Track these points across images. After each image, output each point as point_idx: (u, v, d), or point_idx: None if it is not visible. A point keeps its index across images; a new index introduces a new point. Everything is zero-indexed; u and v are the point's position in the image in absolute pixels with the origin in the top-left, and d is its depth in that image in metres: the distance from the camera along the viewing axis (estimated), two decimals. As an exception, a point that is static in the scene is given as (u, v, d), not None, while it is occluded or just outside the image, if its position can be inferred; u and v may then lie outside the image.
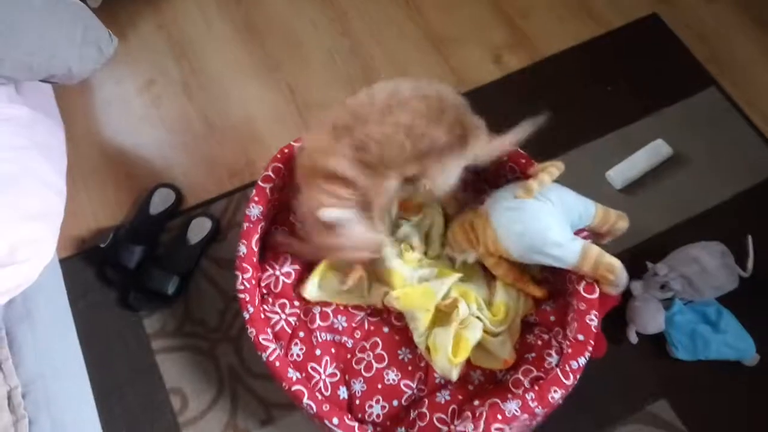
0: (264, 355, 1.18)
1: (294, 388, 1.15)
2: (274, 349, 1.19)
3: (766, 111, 1.63)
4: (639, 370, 1.33)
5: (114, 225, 1.51)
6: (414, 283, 1.28)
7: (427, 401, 1.22)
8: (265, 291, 1.32)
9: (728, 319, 1.33)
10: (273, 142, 1.59)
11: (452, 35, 1.78)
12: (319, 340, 1.28)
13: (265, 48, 1.77)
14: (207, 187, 1.58)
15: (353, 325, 1.31)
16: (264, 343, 1.19)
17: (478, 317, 1.25)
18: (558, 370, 1.14)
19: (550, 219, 1.18)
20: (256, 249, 1.28)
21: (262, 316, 1.25)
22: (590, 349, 1.15)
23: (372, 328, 1.31)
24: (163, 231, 1.51)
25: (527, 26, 1.78)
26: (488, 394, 1.20)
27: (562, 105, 1.64)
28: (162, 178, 1.58)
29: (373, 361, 1.27)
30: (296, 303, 1.32)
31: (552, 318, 1.28)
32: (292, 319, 1.30)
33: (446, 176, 1.19)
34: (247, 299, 1.23)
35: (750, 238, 1.39)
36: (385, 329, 1.30)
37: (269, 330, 1.23)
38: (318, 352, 1.27)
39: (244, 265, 1.25)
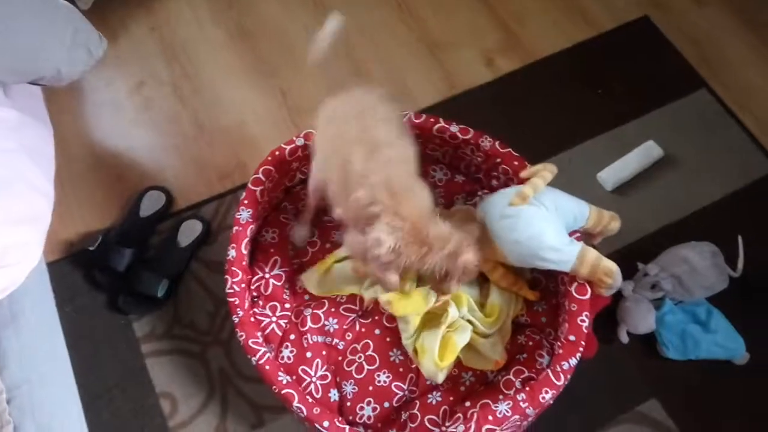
0: (254, 359, 1.18)
1: (284, 391, 1.15)
2: (264, 353, 1.18)
3: (756, 113, 1.64)
4: (630, 370, 1.33)
5: (103, 228, 1.50)
6: (407, 287, 1.27)
7: (418, 403, 1.22)
8: (255, 294, 1.31)
9: (718, 318, 1.33)
10: (264, 145, 1.59)
11: (446, 39, 1.78)
12: (310, 342, 1.27)
13: (258, 52, 1.77)
14: (197, 189, 1.57)
15: (344, 327, 1.30)
16: (254, 346, 1.18)
17: (468, 320, 1.25)
18: (549, 370, 1.14)
19: (545, 224, 1.17)
20: (245, 252, 1.28)
21: (252, 319, 1.25)
22: (581, 349, 1.15)
23: (363, 330, 1.30)
24: (153, 233, 1.50)
25: (521, 30, 1.78)
26: (479, 395, 1.20)
27: (553, 107, 1.66)
28: (152, 180, 1.57)
29: (364, 363, 1.26)
30: (287, 306, 1.32)
31: (543, 319, 1.28)
32: (282, 322, 1.30)
33: None
34: (237, 303, 1.22)
35: (740, 239, 1.39)
36: (377, 331, 1.30)
37: (259, 333, 1.23)
38: (309, 354, 1.26)
39: (234, 268, 1.25)
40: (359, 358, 1.27)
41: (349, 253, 1.28)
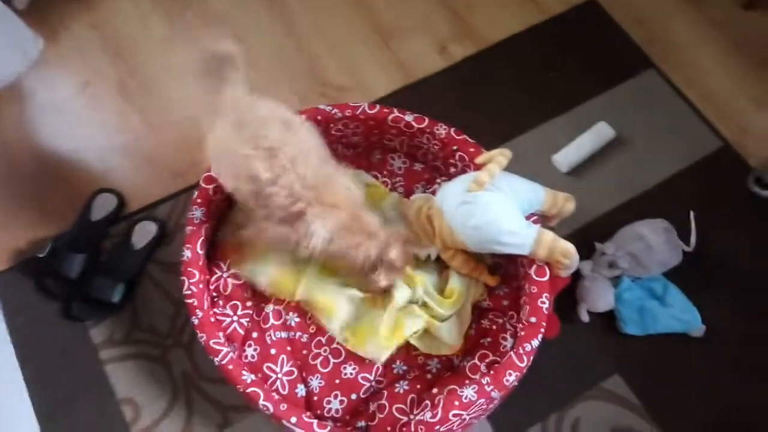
0: (216, 360, 1.16)
1: (249, 390, 1.13)
2: (227, 353, 1.16)
3: (703, 90, 1.67)
4: (592, 347, 1.36)
5: (53, 234, 1.44)
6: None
7: (386, 393, 1.22)
8: (215, 293, 1.29)
9: (674, 293, 1.36)
10: (217, 141, 1.55)
11: (398, 28, 1.77)
12: (273, 339, 1.26)
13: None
14: (150, 190, 1.53)
15: (307, 321, 1.29)
16: (215, 347, 1.16)
17: (425, 302, 1.25)
18: (512, 353, 1.15)
19: (502, 208, 1.18)
20: (201, 252, 1.25)
21: (213, 319, 1.23)
22: (543, 330, 1.16)
23: (326, 323, 1.29)
24: (106, 237, 1.46)
25: (471, 16, 1.78)
26: (446, 381, 1.21)
27: (508, 92, 1.66)
28: (102, 182, 1.52)
29: (329, 356, 1.26)
30: (248, 304, 1.30)
31: (505, 302, 1.29)
32: (244, 321, 1.28)
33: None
34: (195, 304, 1.20)
35: (692, 214, 1.42)
36: (340, 323, 1.29)
37: (220, 333, 1.21)
38: (273, 351, 1.24)
39: (190, 269, 1.22)
40: (324, 351, 1.26)
41: (272, 246, 1.28)
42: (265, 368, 1.23)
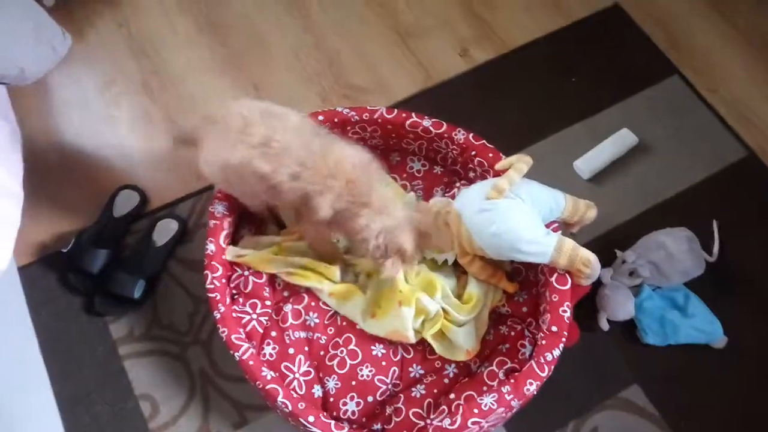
0: (237, 355, 1.16)
1: (268, 386, 1.14)
2: (247, 348, 1.17)
3: (726, 97, 1.66)
4: (611, 356, 1.35)
5: (76, 229, 1.46)
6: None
7: (402, 396, 1.22)
8: (234, 291, 1.30)
9: (696, 303, 1.35)
10: (239, 140, 1.56)
11: (418, 29, 1.77)
12: (292, 338, 1.26)
13: (228, 45, 1.74)
14: (172, 187, 1.54)
15: (325, 321, 1.30)
16: (237, 342, 1.17)
17: (442, 308, 1.25)
18: (533, 362, 1.14)
19: (522, 216, 1.18)
20: (225, 246, 1.26)
21: (234, 315, 1.23)
22: (564, 340, 1.16)
23: (344, 323, 1.30)
24: (128, 233, 1.47)
25: (493, 18, 1.78)
26: (463, 386, 1.20)
27: (528, 97, 1.66)
28: (125, 179, 1.53)
29: (346, 358, 1.26)
30: (267, 303, 1.31)
31: (524, 309, 1.28)
32: (263, 319, 1.29)
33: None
34: (218, 298, 1.21)
35: (715, 223, 1.41)
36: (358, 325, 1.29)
37: (241, 329, 1.22)
38: (291, 350, 1.25)
39: (213, 263, 1.23)
40: (341, 352, 1.26)
41: (310, 244, 1.30)
42: (282, 367, 1.23)
